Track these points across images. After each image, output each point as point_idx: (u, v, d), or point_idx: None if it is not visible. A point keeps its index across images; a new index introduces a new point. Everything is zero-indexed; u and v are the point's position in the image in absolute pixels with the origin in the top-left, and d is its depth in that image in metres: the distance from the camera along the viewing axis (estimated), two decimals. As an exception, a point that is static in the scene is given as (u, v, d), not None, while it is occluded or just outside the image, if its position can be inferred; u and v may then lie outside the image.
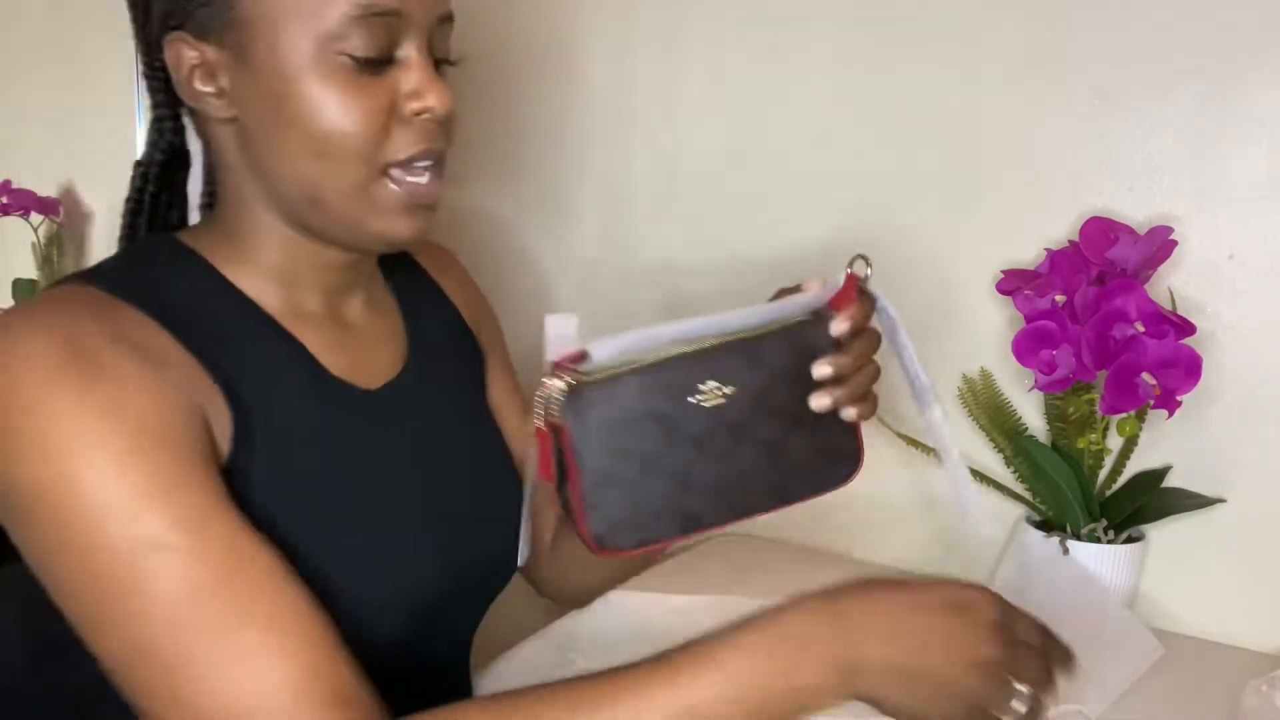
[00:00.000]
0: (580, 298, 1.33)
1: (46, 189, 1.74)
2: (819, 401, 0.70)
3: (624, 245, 1.29)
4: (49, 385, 0.59)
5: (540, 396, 0.64)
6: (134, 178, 0.78)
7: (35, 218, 1.72)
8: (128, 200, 0.78)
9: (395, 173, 0.69)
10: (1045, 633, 0.60)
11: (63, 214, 1.75)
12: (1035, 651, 0.59)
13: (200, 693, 0.58)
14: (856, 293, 0.70)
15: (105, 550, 0.58)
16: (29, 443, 0.59)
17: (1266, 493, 0.97)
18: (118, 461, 0.59)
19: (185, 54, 0.68)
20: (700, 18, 1.20)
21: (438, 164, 0.71)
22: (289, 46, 0.65)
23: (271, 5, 0.65)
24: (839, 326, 0.69)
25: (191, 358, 0.65)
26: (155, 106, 0.75)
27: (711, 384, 0.68)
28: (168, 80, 0.71)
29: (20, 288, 1.78)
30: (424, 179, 0.70)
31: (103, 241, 1.78)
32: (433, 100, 0.68)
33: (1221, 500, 0.98)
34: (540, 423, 0.64)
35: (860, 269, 0.70)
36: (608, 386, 0.64)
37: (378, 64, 0.67)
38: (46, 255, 1.76)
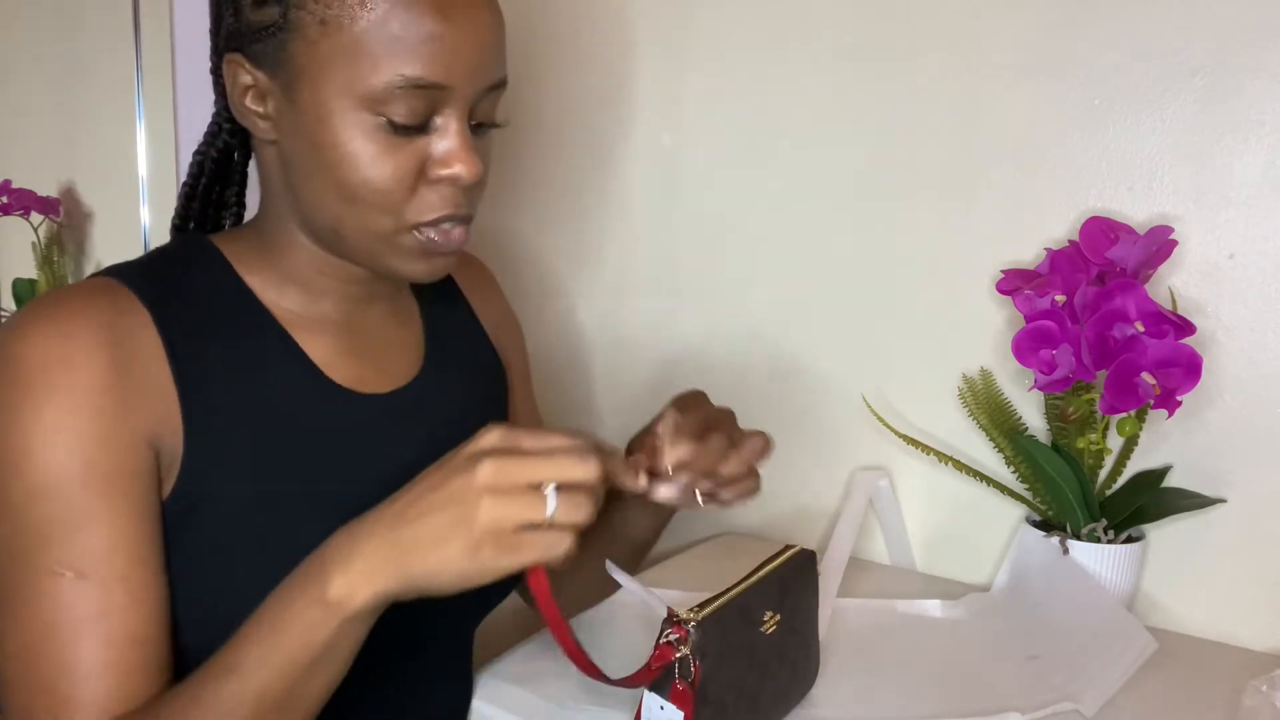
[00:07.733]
0: (587, 288, 1.34)
1: (46, 189, 1.74)
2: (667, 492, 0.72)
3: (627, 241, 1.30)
4: (16, 391, 0.63)
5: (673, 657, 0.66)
6: (191, 165, 0.80)
7: (35, 217, 1.72)
8: (183, 185, 0.81)
9: (420, 230, 0.70)
10: (559, 435, 0.59)
11: (63, 214, 1.75)
12: (547, 451, 0.58)
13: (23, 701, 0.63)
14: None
15: (7, 555, 0.64)
16: None
17: (1266, 493, 0.97)
18: (50, 483, 0.63)
19: (240, 76, 0.70)
20: (703, 20, 1.20)
21: (463, 221, 0.72)
22: (331, 96, 0.66)
23: (321, 58, 0.66)
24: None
25: (169, 374, 0.68)
26: (217, 104, 0.77)
27: (768, 613, 0.73)
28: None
29: (20, 288, 1.78)
30: (450, 232, 0.71)
31: (103, 241, 1.78)
32: (460, 169, 0.69)
33: (1221, 500, 0.98)
34: (680, 685, 0.66)
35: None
36: (718, 623, 0.68)
37: (415, 129, 0.67)
38: (46, 255, 1.76)
